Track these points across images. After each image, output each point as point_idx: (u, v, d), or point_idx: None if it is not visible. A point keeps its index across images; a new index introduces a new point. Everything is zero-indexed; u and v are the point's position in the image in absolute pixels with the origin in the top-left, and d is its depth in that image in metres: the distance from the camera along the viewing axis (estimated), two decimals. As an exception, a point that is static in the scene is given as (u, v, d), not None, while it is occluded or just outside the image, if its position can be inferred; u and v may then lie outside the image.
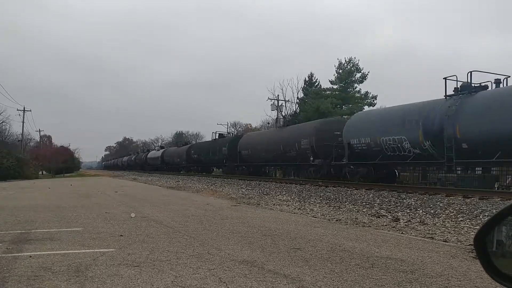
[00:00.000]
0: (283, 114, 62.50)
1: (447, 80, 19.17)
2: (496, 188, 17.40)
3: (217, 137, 49.47)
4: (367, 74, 56.37)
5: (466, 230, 8.93)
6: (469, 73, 18.35)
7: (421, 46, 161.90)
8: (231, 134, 55.39)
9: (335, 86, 57.36)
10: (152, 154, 75.73)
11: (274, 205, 14.79)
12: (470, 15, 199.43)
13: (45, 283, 4.67)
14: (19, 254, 6.26)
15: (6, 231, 8.49)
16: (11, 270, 5.24)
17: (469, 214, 10.91)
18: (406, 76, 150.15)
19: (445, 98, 19.02)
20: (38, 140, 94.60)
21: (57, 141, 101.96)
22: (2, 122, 73.84)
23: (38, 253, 6.29)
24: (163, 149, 73.55)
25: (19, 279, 4.84)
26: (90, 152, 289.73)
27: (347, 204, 14.52)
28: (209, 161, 48.15)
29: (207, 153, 47.78)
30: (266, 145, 35.06)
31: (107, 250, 6.50)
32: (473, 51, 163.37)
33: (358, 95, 56.08)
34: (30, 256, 6.03)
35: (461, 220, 10.23)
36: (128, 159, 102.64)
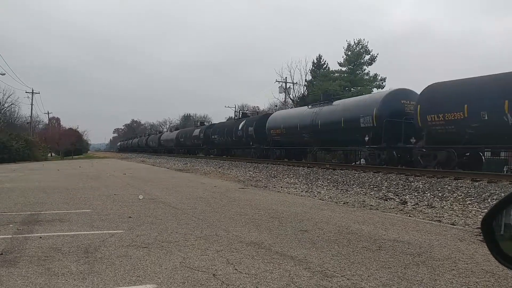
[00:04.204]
0: (291, 97, 62.41)
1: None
2: (505, 172, 17.32)
3: (240, 117, 44.17)
4: (376, 56, 55.97)
5: (474, 213, 8.91)
6: None
7: (435, 28, 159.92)
8: (253, 114, 48.63)
9: (343, 68, 56.99)
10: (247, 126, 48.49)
11: (281, 187, 14.83)
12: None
13: (55, 263, 4.74)
14: (30, 235, 6.34)
15: (17, 212, 8.60)
16: (22, 251, 5.32)
17: (477, 197, 10.88)
18: (417, 58, 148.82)
19: None
20: (47, 122, 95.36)
21: (66, 123, 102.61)
22: (11, 104, 74.44)
23: (48, 234, 6.36)
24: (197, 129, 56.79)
25: (30, 259, 4.91)
26: (99, 134, 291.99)
27: (355, 187, 14.52)
28: (231, 143, 42.68)
29: (229, 134, 42.17)
30: (303, 125, 29.21)
31: (115, 231, 6.57)
32: (487, 34, 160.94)
33: (367, 77, 55.69)
34: (40, 237, 6.11)
35: (469, 204, 10.20)
36: (180, 135, 65.50)
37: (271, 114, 38.09)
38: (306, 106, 31.83)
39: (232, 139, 41.62)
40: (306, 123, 28.89)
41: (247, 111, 48.28)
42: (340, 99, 29.36)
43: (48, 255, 5.09)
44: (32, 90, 73.41)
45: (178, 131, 70.58)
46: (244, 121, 40.26)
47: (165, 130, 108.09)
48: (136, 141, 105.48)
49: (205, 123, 60.66)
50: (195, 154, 53.66)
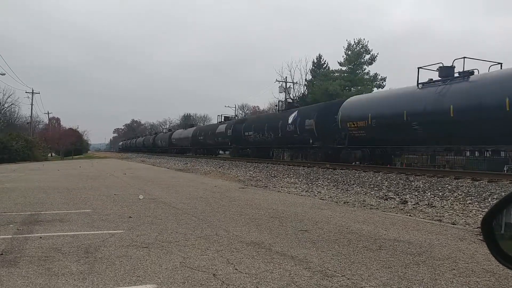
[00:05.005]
0: (291, 96, 62.42)
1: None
2: (505, 171, 17.29)
3: (285, 108, 35.83)
4: (376, 56, 55.99)
5: (475, 212, 8.90)
6: None
7: (435, 28, 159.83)
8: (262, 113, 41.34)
9: (343, 68, 57.00)
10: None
11: (281, 187, 14.82)
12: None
13: (56, 263, 4.74)
14: (30, 235, 6.34)
15: (17, 213, 8.60)
16: (23, 251, 5.31)
17: (478, 196, 10.86)
18: (417, 58, 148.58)
19: None
20: (47, 122, 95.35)
21: (66, 123, 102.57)
22: (11, 104, 74.53)
23: (48, 234, 6.36)
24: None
25: (31, 259, 4.91)
26: (99, 134, 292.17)
27: (355, 186, 14.51)
28: (275, 141, 33.41)
29: (272, 130, 33.13)
30: (414, 113, 19.40)
31: (116, 231, 6.57)
32: (488, 33, 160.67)
33: (367, 77, 55.69)
34: (41, 237, 6.11)
35: (469, 203, 10.19)
36: (198, 132, 55.35)
37: (344, 100, 27.37)
38: (415, 85, 20.64)
39: (278, 136, 32.38)
40: (422, 109, 19.13)
41: (293, 101, 40.46)
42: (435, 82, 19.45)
43: (48, 255, 5.08)
44: (32, 90, 73.45)
45: (194, 128, 62.48)
46: (295, 112, 30.92)
47: (164, 130, 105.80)
48: (141, 140, 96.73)
49: (200, 124, 53.62)
50: (216, 155, 46.70)
